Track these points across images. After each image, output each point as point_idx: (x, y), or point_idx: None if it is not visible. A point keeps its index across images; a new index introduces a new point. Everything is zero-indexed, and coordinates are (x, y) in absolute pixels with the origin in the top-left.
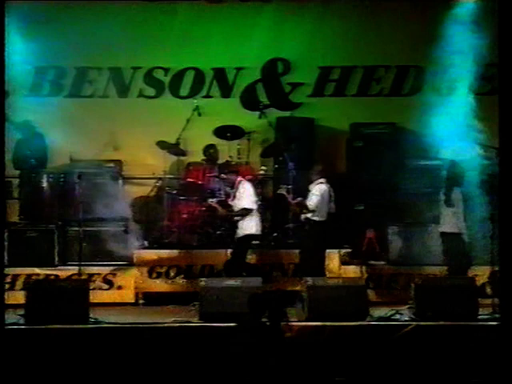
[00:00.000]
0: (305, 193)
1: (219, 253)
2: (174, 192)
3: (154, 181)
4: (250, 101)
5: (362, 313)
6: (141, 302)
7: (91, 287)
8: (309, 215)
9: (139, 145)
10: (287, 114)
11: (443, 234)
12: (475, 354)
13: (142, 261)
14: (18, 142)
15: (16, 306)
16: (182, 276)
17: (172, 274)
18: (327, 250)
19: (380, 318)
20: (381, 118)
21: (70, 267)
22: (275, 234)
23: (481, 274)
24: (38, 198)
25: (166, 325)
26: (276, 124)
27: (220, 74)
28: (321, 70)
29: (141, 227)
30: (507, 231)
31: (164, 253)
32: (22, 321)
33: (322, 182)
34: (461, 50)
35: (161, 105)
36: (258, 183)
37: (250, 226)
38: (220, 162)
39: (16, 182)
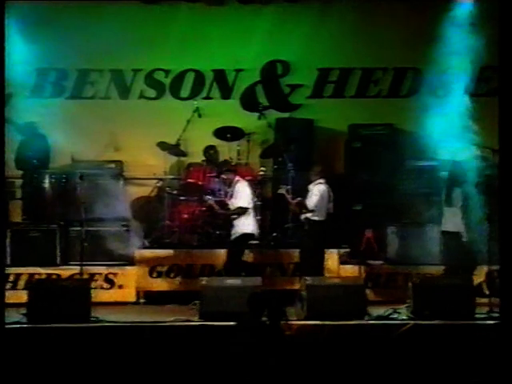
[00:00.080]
0: (304, 193)
1: (219, 252)
2: (175, 192)
3: (154, 181)
4: (249, 102)
5: (361, 312)
6: (142, 301)
7: (93, 286)
8: (308, 215)
9: (140, 146)
10: (286, 115)
11: (445, 233)
12: (472, 352)
13: (143, 260)
14: (20, 143)
15: (18, 305)
16: (182, 275)
17: (172, 273)
18: (326, 250)
19: (378, 317)
20: (379, 119)
21: (71, 267)
22: (275, 234)
23: (477, 273)
24: (40, 199)
25: (166, 324)
26: (275, 125)
27: (220, 75)
28: (319, 71)
29: (142, 227)
30: (507, 231)
31: (165, 252)
32: (24, 320)
33: (321, 183)
34: (458, 51)
35: (161, 106)
36: (258, 183)
37: (246, 225)
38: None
39: (19, 182)
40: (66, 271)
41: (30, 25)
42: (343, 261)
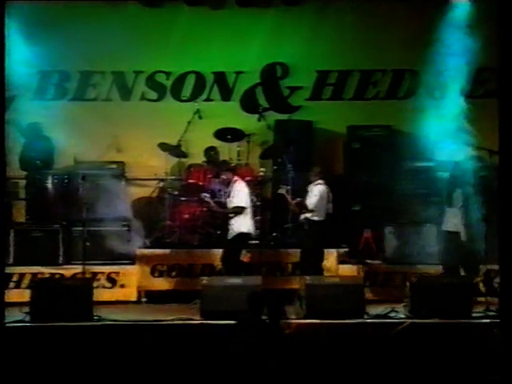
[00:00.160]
0: (303, 194)
1: (220, 252)
2: (176, 193)
3: (155, 182)
4: (249, 104)
5: (359, 310)
6: (143, 300)
7: (95, 285)
8: (308, 215)
9: (141, 147)
10: (286, 116)
11: (445, 233)
12: (469, 351)
13: (145, 260)
14: (24, 144)
15: (22, 304)
16: (183, 275)
17: (173, 272)
18: (325, 250)
19: (376, 316)
20: (377, 120)
21: (74, 266)
22: (274, 234)
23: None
24: (43, 199)
25: (167, 322)
26: (275, 126)
27: (220, 77)
28: (319, 73)
29: (143, 227)
30: (507, 231)
31: (166, 252)
32: (27, 318)
33: (320, 183)
34: (455, 53)
35: (163, 108)
36: (258, 184)
37: (243, 224)
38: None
39: (23, 183)
40: (68, 270)
41: (32, 28)
42: (342, 260)
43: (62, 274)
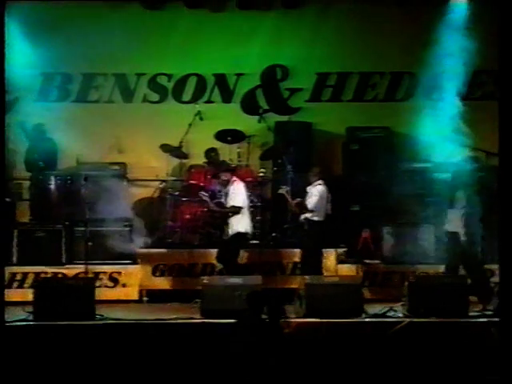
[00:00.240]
0: (303, 194)
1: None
2: (177, 193)
3: (157, 183)
4: (249, 106)
5: (358, 310)
6: (145, 299)
7: (97, 285)
8: (308, 215)
9: (143, 148)
10: (286, 118)
11: (449, 234)
12: (465, 349)
13: (146, 259)
14: (29, 146)
15: (25, 303)
16: (184, 274)
17: (175, 272)
18: (324, 250)
19: (375, 315)
20: (376, 122)
21: (76, 266)
22: (274, 234)
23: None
24: (46, 200)
25: (168, 321)
26: (275, 128)
27: (221, 79)
28: (318, 76)
29: (145, 227)
30: (507, 231)
31: (167, 252)
32: (30, 317)
33: (320, 184)
34: (452, 56)
35: (164, 110)
36: (258, 185)
37: (240, 224)
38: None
39: (26, 183)
40: (71, 270)
41: (35, 30)
42: (341, 260)
43: (64, 274)
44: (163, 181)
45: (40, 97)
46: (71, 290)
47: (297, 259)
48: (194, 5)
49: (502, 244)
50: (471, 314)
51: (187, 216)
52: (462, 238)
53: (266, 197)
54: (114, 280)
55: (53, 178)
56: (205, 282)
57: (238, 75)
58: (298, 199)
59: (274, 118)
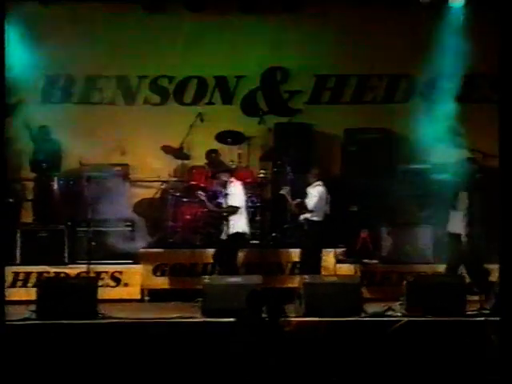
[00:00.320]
0: (302, 195)
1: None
2: (178, 194)
3: (159, 183)
4: (250, 107)
5: (357, 309)
6: (146, 298)
7: (99, 284)
8: (308, 215)
9: (145, 149)
10: (285, 120)
11: (450, 235)
12: (463, 347)
13: (148, 259)
14: (34, 147)
15: (28, 302)
16: (185, 274)
17: (176, 272)
18: (323, 249)
19: (373, 314)
20: (374, 123)
21: (79, 265)
22: (274, 234)
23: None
24: (49, 200)
25: (170, 320)
26: (275, 129)
27: (222, 82)
28: (317, 78)
29: (146, 227)
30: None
31: (168, 252)
32: (33, 316)
33: (319, 185)
34: (449, 58)
35: (165, 111)
36: (258, 186)
37: (238, 224)
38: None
39: (30, 184)
40: (73, 270)
41: (38, 33)
42: (340, 260)
43: (67, 273)
44: (165, 182)
45: (44, 98)
46: (74, 290)
47: (296, 259)
48: (195, 8)
49: (502, 244)
50: (468, 312)
51: (188, 216)
52: (464, 240)
53: (265, 197)
54: (116, 279)
55: (56, 179)
56: (206, 281)
57: (239, 77)
58: (299, 200)
59: (273, 119)
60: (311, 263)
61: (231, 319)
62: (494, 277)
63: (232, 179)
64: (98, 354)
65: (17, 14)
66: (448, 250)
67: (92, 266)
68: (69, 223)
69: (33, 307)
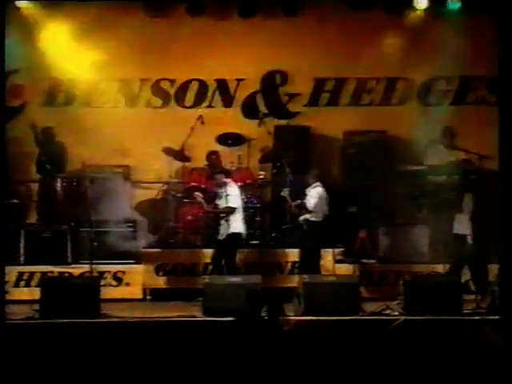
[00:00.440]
0: (302, 196)
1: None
2: (179, 195)
3: (160, 185)
4: (250, 110)
5: (355, 308)
6: (148, 297)
7: (102, 284)
8: (307, 216)
9: (146, 151)
10: (285, 122)
11: (457, 236)
12: (459, 346)
13: (149, 259)
14: (39, 148)
15: (32, 302)
16: (186, 274)
17: (177, 271)
18: (322, 249)
19: (372, 313)
20: (372, 126)
21: (81, 265)
22: (274, 235)
23: (465, 271)
24: (53, 201)
25: (171, 319)
26: (274, 132)
27: (222, 85)
28: (316, 81)
29: (148, 228)
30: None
31: (170, 252)
32: (37, 315)
33: (318, 186)
34: (446, 61)
35: (167, 114)
36: (258, 187)
37: (235, 225)
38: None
39: (34, 185)
40: (76, 269)
41: (41, 35)
42: (338, 260)
43: (70, 273)
44: (166, 183)
45: (48, 101)
46: (77, 289)
47: (295, 259)
48: (196, 13)
49: (502, 244)
50: (465, 311)
51: (189, 217)
52: (469, 241)
53: (265, 199)
54: (118, 279)
55: (59, 181)
56: (206, 281)
57: (239, 80)
58: (299, 201)
59: (273, 122)
60: (310, 263)
61: (231, 318)
62: (491, 276)
63: (228, 180)
64: (100, 352)
65: (17, 15)
66: (453, 251)
67: (94, 265)
68: (72, 224)
69: (36, 306)
